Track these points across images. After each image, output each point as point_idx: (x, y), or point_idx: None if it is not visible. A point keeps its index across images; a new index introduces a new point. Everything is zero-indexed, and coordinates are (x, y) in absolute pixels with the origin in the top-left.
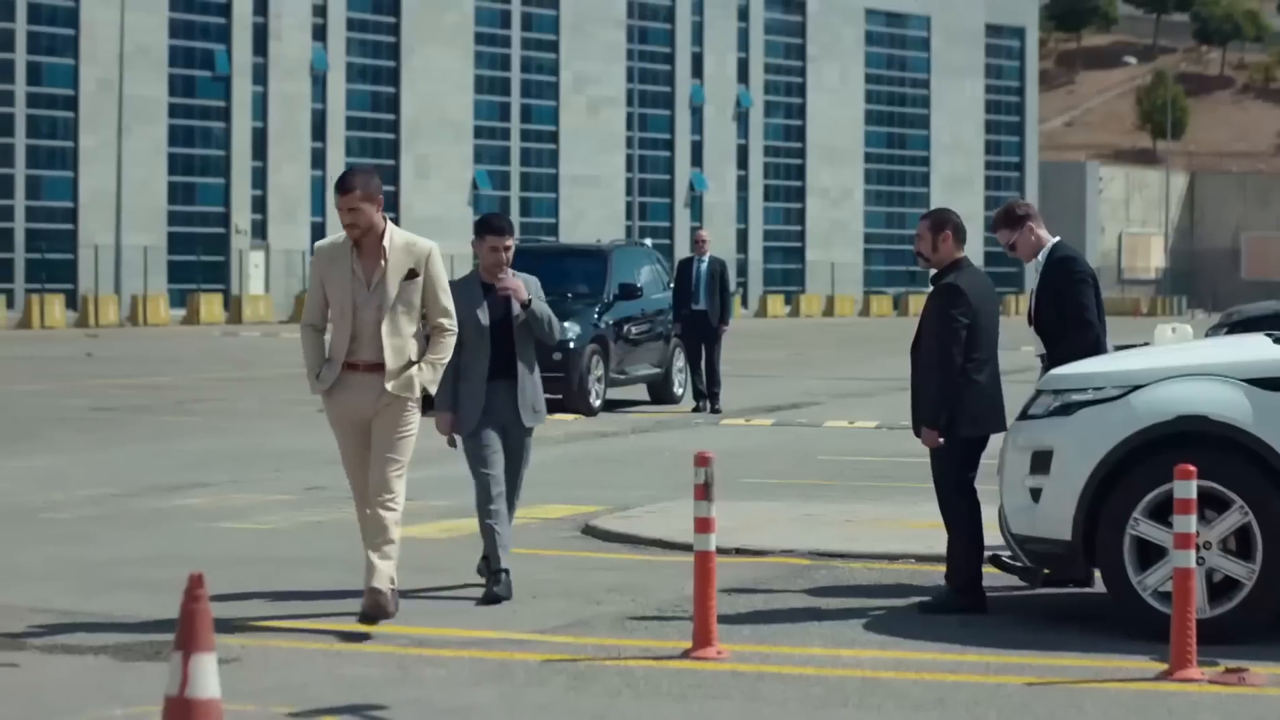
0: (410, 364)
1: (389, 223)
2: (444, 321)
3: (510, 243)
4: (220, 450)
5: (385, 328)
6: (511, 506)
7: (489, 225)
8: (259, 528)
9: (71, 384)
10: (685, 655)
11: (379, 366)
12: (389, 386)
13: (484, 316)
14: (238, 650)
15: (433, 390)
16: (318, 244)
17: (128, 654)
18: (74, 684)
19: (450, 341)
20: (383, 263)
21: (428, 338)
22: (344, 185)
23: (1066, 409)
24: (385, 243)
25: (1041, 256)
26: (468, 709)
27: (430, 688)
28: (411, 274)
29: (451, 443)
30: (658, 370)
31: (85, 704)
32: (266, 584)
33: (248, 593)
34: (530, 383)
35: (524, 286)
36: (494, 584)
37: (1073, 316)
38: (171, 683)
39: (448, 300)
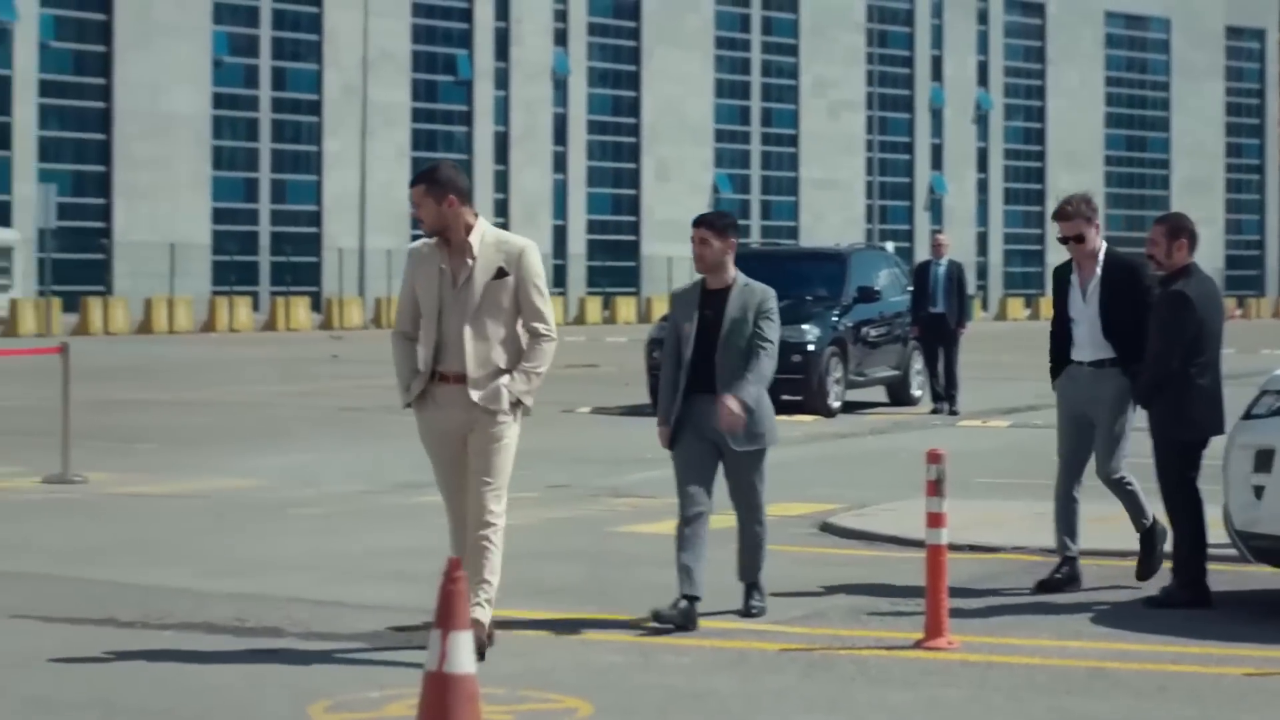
0: (499, 373)
1: (480, 220)
2: (538, 326)
3: (712, 238)
4: None
5: (469, 331)
6: (743, 531)
7: (696, 218)
8: (505, 524)
9: (319, 385)
10: (917, 645)
11: (466, 377)
12: (475, 397)
13: (690, 326)
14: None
15: (528, 401)
16: (410, 245)
17: (381, 640)
18: (331, 669)
19: (548, 348)
20: (469, 261)
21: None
22: (412, 180)
23: None
24: (473, 239)
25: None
26: (707, 694)
27: (672, 674)
28: (500, 273)
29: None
30: (896, 372)
31: (342, 688)
32: (513, 576)
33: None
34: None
35: (740, 421)
36: (669, 605)
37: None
38: (431, 658)
39: (543, 303)
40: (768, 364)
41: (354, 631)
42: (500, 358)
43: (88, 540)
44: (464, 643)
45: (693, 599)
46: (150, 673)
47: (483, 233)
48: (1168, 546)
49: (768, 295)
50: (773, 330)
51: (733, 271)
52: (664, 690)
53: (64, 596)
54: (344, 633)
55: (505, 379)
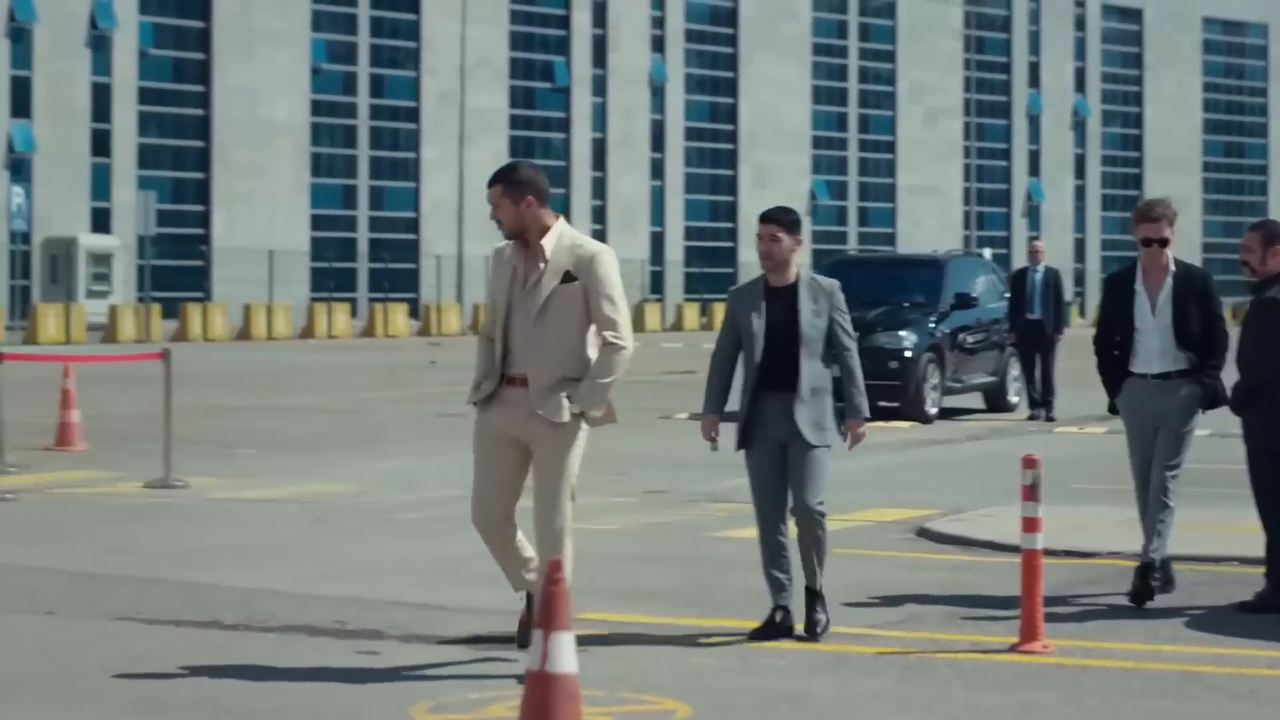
0: (565, 382)
1: (560, 222)
2: (608, 334)
3: (782, 234)
4: None
5: (532, 336)
6: (805, 533)
7: (765, 213)
8: (603, 529)
9: (418, 390)
10: (1012, 649)
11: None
12: (537, 407)
13: (758, 320)
14: (586, 640)
15: (593, 413)
16: (496, 246)
17: (480, 643)
18: (431, 669)
19: (618, 359)
20: (542, 264)
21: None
22: (490, 180)
23: None
24: (547, 242)
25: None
26: (803, 696)
27: (769, 676)
28: (568, 277)
29: (714, 446)
30: (993, 379)
31: (442, 688)
32: (612, 580)
33: (594, 587)
34: (815, 399)
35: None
36: (764, 623)
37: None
38: (533, 658)
39: (614, 312)
40: (859, 367)
41: (454, 635)
42: (567, 365)
43: (190, 544)
44: (566, 643)
45: (785, 609)
46: (255, 674)
47: (559, 235)
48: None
49: (836, 288)
50: (850, 327)
51: (795, 268)
52: (761, 692)
53: (168, 600)
54: (444, 636)
55: (568, 390)
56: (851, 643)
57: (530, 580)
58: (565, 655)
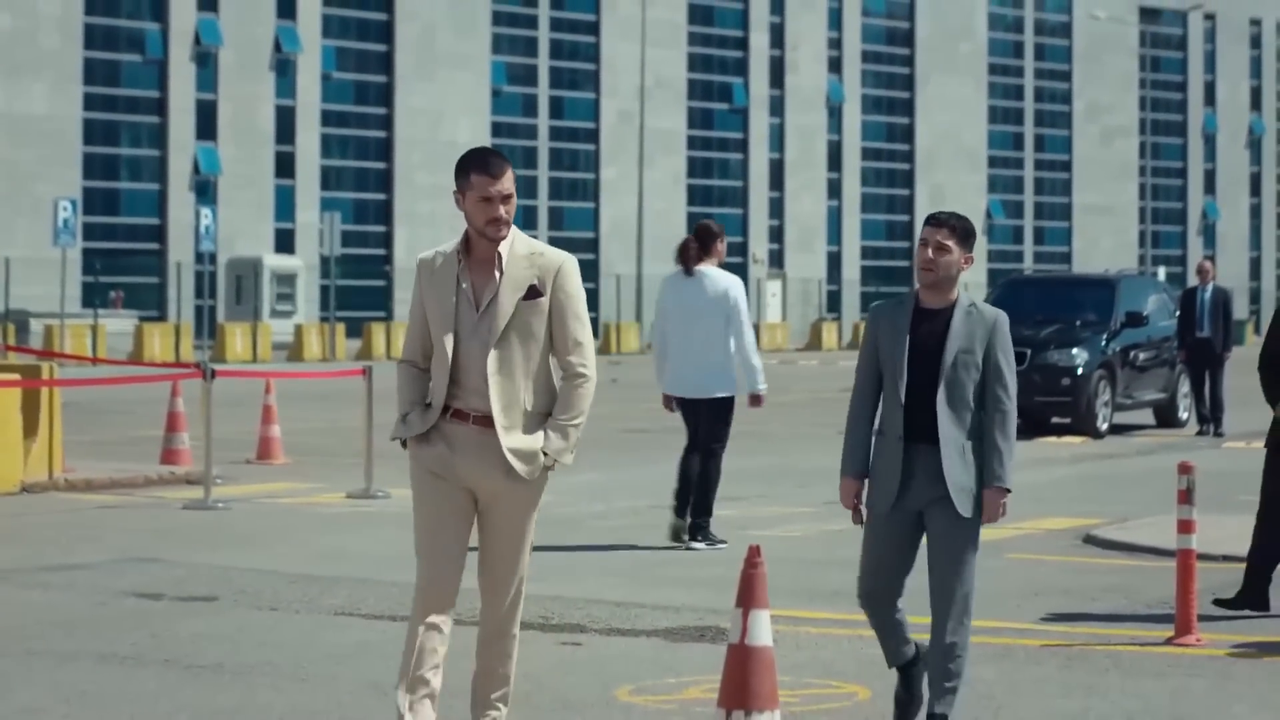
0: (527, 419)
1: (511, 226)
2: (574, 363)
3: (953, 243)
4: (749, 468)
5: (492, 363)
6: (940, 636)
7: (933, 215)
8: (786, 535)
9: (601, 409)
10: (1167, 642)
11: (491, 420)
12: (513, 462)
13: (900, 349)
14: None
15: (565, 461)
16: (420, 256)
17: (676, 636)
18: (631, 659)
19: (587, 392)
20: (497, 274)
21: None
22: (493, 167)
23: None
24: (502, 249)
25: None
26: (974, 680)
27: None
28: (532, 292)
29: (858, 518)
30: (1163, 395)
31: (641, 675)
32: (796, 582)
33: (779, 587)
34: (963, 455)
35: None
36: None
37: None
38: (733, 633)
39: (584, 334)
40: (1013, 427)
41: (651, 628)
42: (528, 399)
43: (396, 549)
44: (763, 619)
45: (911, 663)
46: (469, 662)
47: (513, 241)
48: None
49: (1001, 320)
50: (1013, 375)
51: (957, 290)
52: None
53: (381, 597)
54: (642, 629)
55: (539, 439)
56: (1018, 636)
57: None
58: (763, 630)
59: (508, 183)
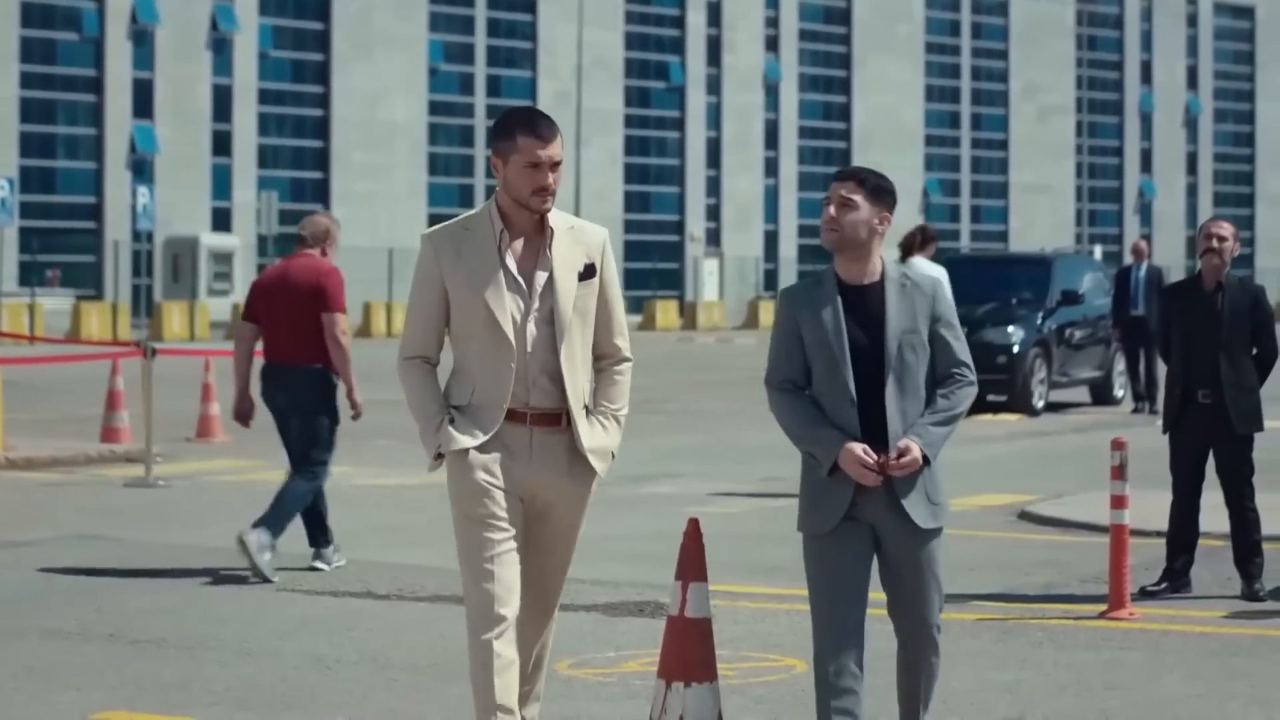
0: (588, 411)
1: None
2: (620, 344)
3: (860, 197)
4: (688, 446)
5: (564, 353)
6: (909, 652)
7: (840, 169)
8: (725, 511)
9: None
10: (1101, 615)
11: (556, 418)
12: (594, 462)
13: (840, 340)
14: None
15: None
16: (429, 232)
17: (615, 610)
18: (571, 634)
19: (629, 377)
20: (547, 251)
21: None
22: (543, 128)
23: None
24: (553, 223)
25: None
26: None
27: (878, 640)
28: (589, 271)
29: (883, 462)
30: (1099, 373)
31: (582, 649)
32: (733, 556)
33: (716, 562)
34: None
35: (916, 460)
36: None
37: None
38: (672, 605)
39: (623, 313)
40: (968, 398)
41: (590, 603)
42: (587, 390)
43: (338, 526)
44: (702, 592)
45: None
46: (410, 636)
47: (554, 215)
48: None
49: (940, 288)
50: (964, 345)
51: (878, 260)
52: (869, 651)
53: (323, 575)
54: (581, 604)
55: (606, 434)
56: (952, 611)
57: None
58: (702, 602)
59: (558, 148)
